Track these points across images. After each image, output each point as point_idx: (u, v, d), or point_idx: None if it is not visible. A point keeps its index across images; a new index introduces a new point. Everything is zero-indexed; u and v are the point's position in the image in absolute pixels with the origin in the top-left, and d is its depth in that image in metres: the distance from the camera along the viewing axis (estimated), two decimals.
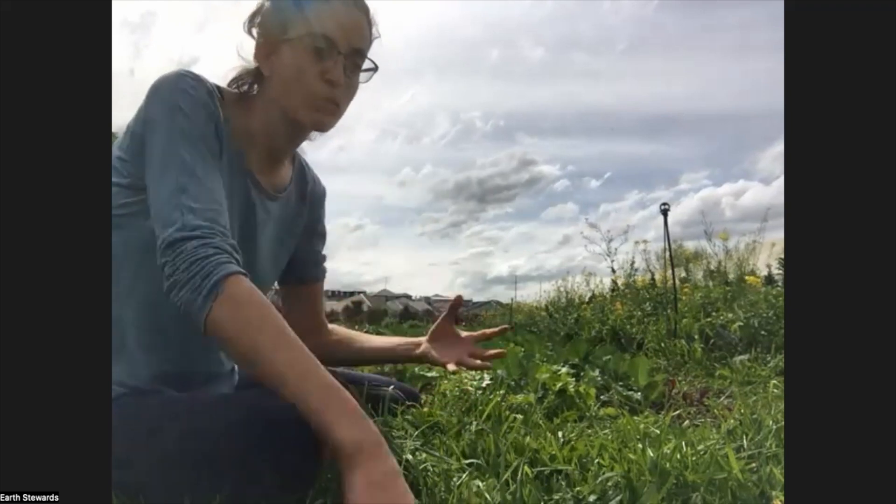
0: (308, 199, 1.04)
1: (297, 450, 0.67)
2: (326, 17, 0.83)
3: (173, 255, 0.68)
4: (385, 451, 0.63)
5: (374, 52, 0.91)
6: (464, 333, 1.18)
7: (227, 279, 0.67)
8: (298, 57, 0.82)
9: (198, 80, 0.80)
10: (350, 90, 0.88)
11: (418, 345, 1.15)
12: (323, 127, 0.87)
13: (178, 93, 0.77)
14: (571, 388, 1.43)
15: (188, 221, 0.69)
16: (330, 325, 1.19)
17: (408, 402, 1.11)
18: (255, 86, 0.91)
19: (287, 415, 0.69)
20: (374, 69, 0.90)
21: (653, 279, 4.98)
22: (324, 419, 0.63)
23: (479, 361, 1.09)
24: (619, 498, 0.72)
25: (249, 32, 0.89)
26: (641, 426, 1.02)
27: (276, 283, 1.08)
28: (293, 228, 1.02)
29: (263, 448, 0.66)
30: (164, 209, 0.71)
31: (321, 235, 1.12)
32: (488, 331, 1.18)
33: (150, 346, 0.81)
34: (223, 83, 0.90)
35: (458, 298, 1.15)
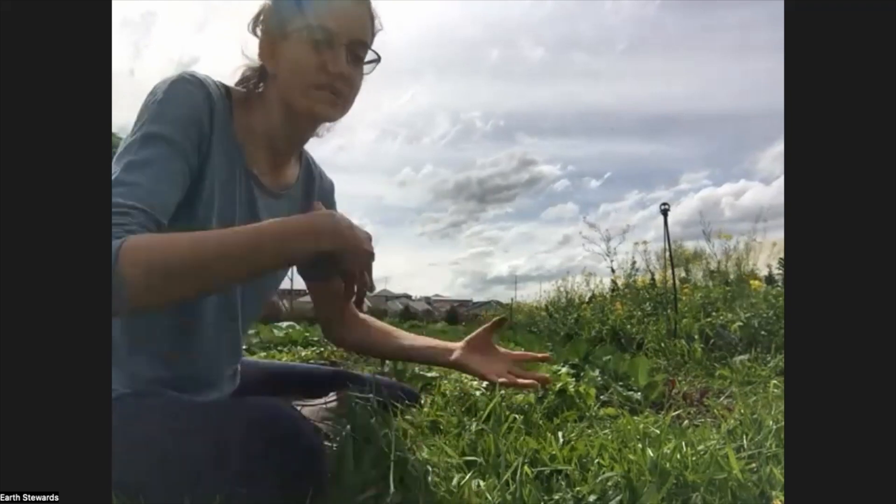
0: (315, 196, 1.04)
1: (301, 451, 0.68)
2: (325, 10, 0.83)
3: None
4: (333, 223, 0.75)
5: (377, 47, 0.91)
6: (502, 350, 1.19)
7: (117, 264, 0.63)
8: (300, 50, 0.83)
9: (197, 83, 0.80)
10: (353, 81, 0.87)
11: (451, 350, 1.16)
12: (330, 116, 0.87)
13: (166, 95, 0.78)
14: (571, 388, 1.43)
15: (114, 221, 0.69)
16: (361, 315, 1.19)
17: (408, 402, 1.11)
18: (261, 84, 0.91)
19: (292, 417, 0.69)
20: (377, 60, 0.90)
21: (653, 279, 4.98)
22: (290, 251, 0.72)
23: (526, 381, 1.12)
24: (619, 498, 0.72)
25: (254, 32, 0.89)
26: (641, 426, 1.02)
27: (267, 289, 1.07)
28: None
29: (267, 450, 0.67)
30: None
31: None
32: (532, 354, 1.22)
33: (143, 352, 0.81)
34: (230, 82, 0.90)
35: (503, 320, 1.19)
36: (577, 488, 0.76)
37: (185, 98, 0.79)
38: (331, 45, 0.83)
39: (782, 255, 4.39)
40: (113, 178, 0.72)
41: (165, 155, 0.75)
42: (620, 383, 1.65)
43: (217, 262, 0.68)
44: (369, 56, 0.89)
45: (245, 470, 0.66)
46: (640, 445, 0.84)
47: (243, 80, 0.91)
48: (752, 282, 4.02)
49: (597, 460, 0.85)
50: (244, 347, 1.05)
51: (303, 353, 3.11)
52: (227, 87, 0.86)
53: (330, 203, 1.09)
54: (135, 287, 0.63)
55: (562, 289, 7.19)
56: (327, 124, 0.95)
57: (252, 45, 0.89)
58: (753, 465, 0.80)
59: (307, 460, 0.68)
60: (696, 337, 2.89)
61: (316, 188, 1.04)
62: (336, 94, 0.85)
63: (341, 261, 0.79)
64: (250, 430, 0.68)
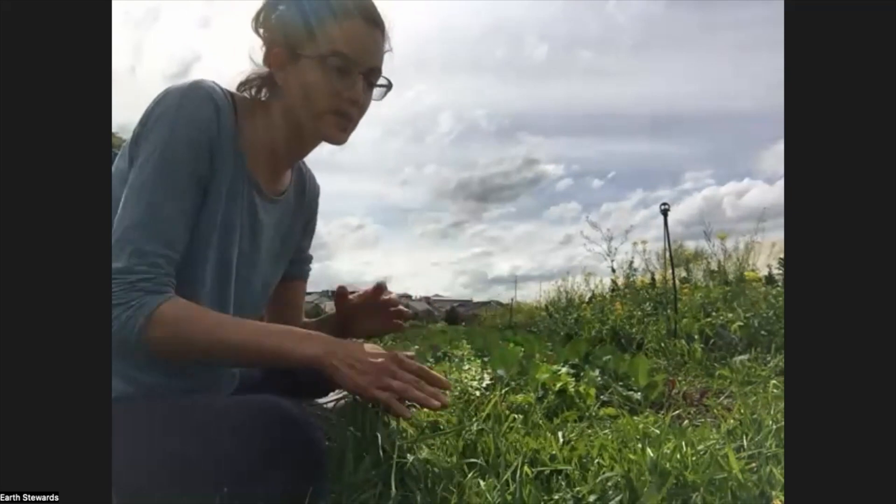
0: (307, 197, 1.05)
1: (302, 447, 0.67)
2: (346, 36, 0.82)
3: (114, 288, 0.72)
4: (341, 343, 0.77)
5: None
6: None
7: (147, 325, 0.71)
8: (318, 75, 0.82)
9: (205, 95, 0.80)
10: (366, 108, 0.89)
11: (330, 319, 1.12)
12: (337, 141, 0.88)
13: (175, 115, 0.77)
14: (571, 388, 1.43)
15: (131, 264, 0.73)
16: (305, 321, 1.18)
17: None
18: (265, 91, 0.90)
19: (292, 413, 0.69)
20: (389, 86, 0.90)
21: (653, 279, 4.99)
22: (285, 353, 0.76)
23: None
24: (619, 498, 0.72)
25: (257, 31, 0.88)
26: (641, 426, 1.02)
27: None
28: (293, 229, 1.02)
29: (268, 445, 0.67)
30: (118, 240, 0.74)
31: (311, 233, 1.12)
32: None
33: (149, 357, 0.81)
34: (231, 85, 0.89)
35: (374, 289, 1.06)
36: (577, 488, 0.76)
37: (197, 116, 0.78)
38: (347, 73, 0.83)
39: (782, 255, 4.39)
40: (134, 214, 0.74)
41: (183, 190, 0.77)
42: (620, 383, 1.65)
43: (232, 355, 0.78)
44: (381, 81, 0.89)
45: (246, 467, 0.66)
46: (640, 445, 0.84)
47: (247, 84, 0.91)
48: (748, 274, 4.02)
49: (597, 460, 0.85)
50: None
51: None
52: (231, 95, 0.86)
53: (313, 209, 1.08)
54: (156, 353, 0.74)
55: (562, 289, 7.21)
56: None
57: (259, 49, 0.88)
58: (753, 465, 0.80)
59: (308, 455, 0.68)
60: (696, 337, 2.89)
61: (307, 191, 1.04)
62: (347, 120, 0.86)
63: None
64: (251, 427, 0.68)
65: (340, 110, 0.84)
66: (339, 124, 0.86)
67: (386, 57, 0.90)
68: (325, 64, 0.82)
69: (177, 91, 0.79)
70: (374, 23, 0.85)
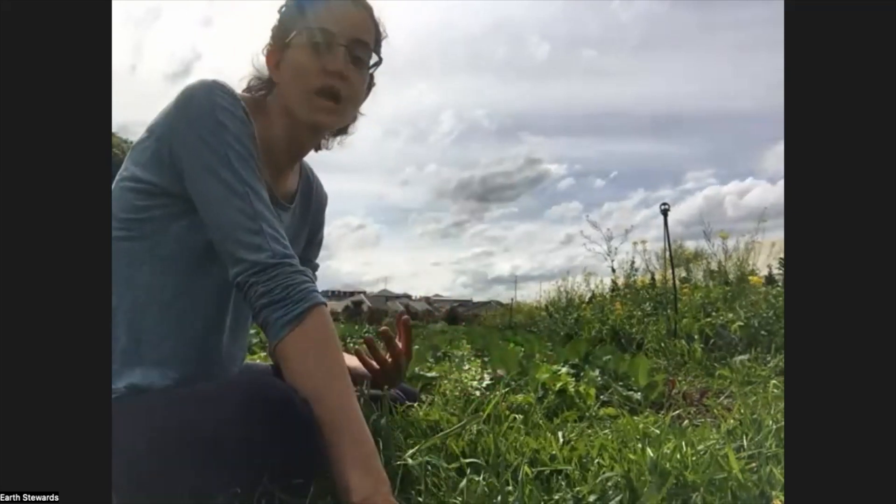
0: (313, 206, 1.04)
1: (298, 427, 0.67)
2: (324, 13, 0.84)
3: (267, 277, 0.71)
4: (387, 499, 0.65)
5: (382, 51, 0.91)
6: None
7: (312, 310, 0.72)
8: (300, 55, 0.83)
9: (233, 94, 0.80)
10: (354, 83, 0.86)
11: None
12: (328, 125, 0.87)
13: (219, 110, 0.77)
14: (571, 388, 1.43)
15: (277, 249, 0.73)
16: None
17: (408, 402, 1.11)
18: (268, 96, 0.91)
19: (285, 394, 0.69)
20: (378, 62, 0.90)
21: (653, 279, 4.99)
22: (342, 464, 0.66)
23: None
24: (619, 498, 0.72)
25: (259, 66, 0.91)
26: (641, 426, 1.02)
27: None
28: (299, 236, 1.02)
29: (264, 427, 0.66)
30: (242, 234, 0.73)
31: (318, 244, 1.11)
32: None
33: (168, 351, 0.81)
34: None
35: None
36: (577, 488, 0.76)
37: (244, 114, 0.79)
38: (330, 47, 0.83)
39: (782, 255, 4.39)
40: (259, 213, 0.73)
41: (264, 185, 0.78)
42: (620, 383, 1.65)
43: (312, 399, 0.69)
44: (372, 60, 0.89)
45: (247, 451, 0.66)
46: (640, 445, 0.84)
47: (248, 90, 0.92)
48: (751, 278, 4.02)
49: (597, 460, 0.85)
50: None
51: None
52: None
53: (319, 219, 1.08)
54: (290, 344, 0.71)
55: (562, 289, 7.21)
56: (338, 138, 0.96)
57: (261, 57, 0.91)
58: (753, 465, 0.80)
59: (307, 437, 0.67)
60: (696, 337, 2.89)
61: (314, 198, 1.04)
62: (335, 99, 0.84)
63: None
64: (248, 412, 0.68)
65: (326, 86, 0.83)
66: (328, 107, 0.84)
67: (384, 47, 0.90)
68: (308, 41, 0.83)
69: (204, 89, 0.78)
70: (355, 3, 0.87)
